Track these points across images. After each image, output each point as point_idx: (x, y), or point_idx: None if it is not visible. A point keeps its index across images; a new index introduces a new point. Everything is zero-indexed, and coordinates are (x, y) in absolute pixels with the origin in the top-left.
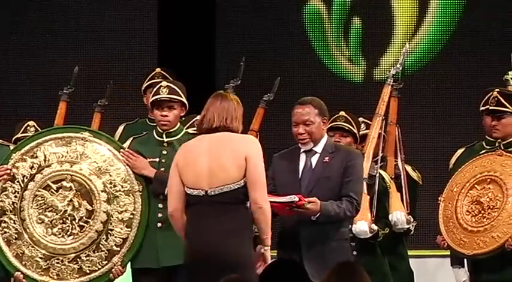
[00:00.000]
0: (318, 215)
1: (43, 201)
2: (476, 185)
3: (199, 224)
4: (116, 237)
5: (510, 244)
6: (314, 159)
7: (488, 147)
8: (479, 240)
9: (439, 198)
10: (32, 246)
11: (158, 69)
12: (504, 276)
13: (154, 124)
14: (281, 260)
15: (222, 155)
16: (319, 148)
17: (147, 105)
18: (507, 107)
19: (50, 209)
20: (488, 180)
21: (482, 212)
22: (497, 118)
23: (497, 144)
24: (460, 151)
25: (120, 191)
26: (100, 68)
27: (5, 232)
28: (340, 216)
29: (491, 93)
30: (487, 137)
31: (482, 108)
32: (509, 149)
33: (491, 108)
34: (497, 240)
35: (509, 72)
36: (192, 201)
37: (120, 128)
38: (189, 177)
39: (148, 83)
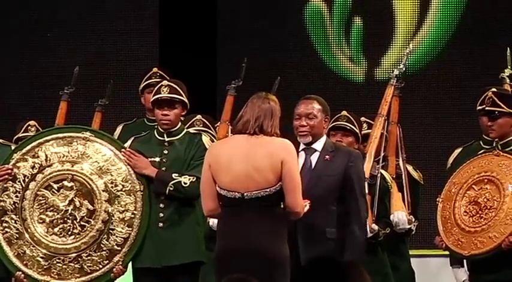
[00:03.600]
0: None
1: (44, 201)
2: (473, 186)
3: (234, 225)
4: (117, 236)
5: (507, 244)
6: (314, 158)
7: (486, 146)
8: (476, 241)
9: (438, 199)
10: (33, 246)
11: (155, 69)
12: (503, 276)
13: (153, 124)
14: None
15: (258, 159)
16: (318, 146)
17: (144, 105)
18: (502, 107)
19: (51, 208)
20: (486, 180)
21: (480, 212)
22: (493, 118)
23: (494, 144)
24: (457, 151)
25: (121, 190)
26: (101, 68)
27: (6, 232)
28: (365, 235)
29: (486, 93)
30: (484, 137)
31: (478, 108)
32: (507, 149)
33: (486, 108)
34: (494, 241)
35: (506, 70)
36: (227, 203)
37: (119, 128)
38: (225, 179)
39: (145, 82)
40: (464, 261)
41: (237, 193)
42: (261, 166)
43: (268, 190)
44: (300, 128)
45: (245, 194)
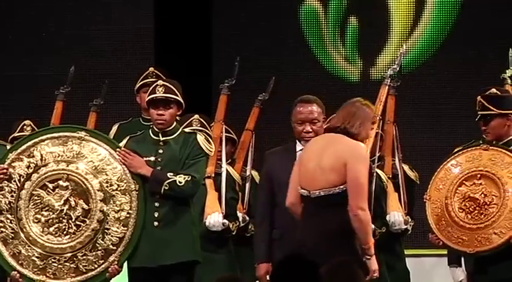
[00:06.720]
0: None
1: (39, 201)
2: (465, 182)
3: (300, 223)
4: (112, 236)
5: None
6: None
7: None
8: (480, 237)
9: (424, 197)
10: (29, 246)
11: (151, 69)
12: (504, 274)
13: (148, 123)
14: (290, 256)
15: (324, 158)
16: None
17: (140, 105)
18: (492, 110)
19: (47, 208)
20: (479, 176)
21: (478, 208)
22: (486, 122)
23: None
24: (457, 150)
25: (116, 190)
26: (96, 67)
27: (2, 231)
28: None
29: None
30: (484, 137)
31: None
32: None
33: (479, 113)
34: (501, 236)
35: (507, 71)
36: (302, 200)
37: (114, 128)
38: (301, 176)
39: (141, 82)
40: (462, 260)
41: (305, 191)
42: (324, 166)
43: (329, 190)
44: (305, 134)
45: (311, 192)
